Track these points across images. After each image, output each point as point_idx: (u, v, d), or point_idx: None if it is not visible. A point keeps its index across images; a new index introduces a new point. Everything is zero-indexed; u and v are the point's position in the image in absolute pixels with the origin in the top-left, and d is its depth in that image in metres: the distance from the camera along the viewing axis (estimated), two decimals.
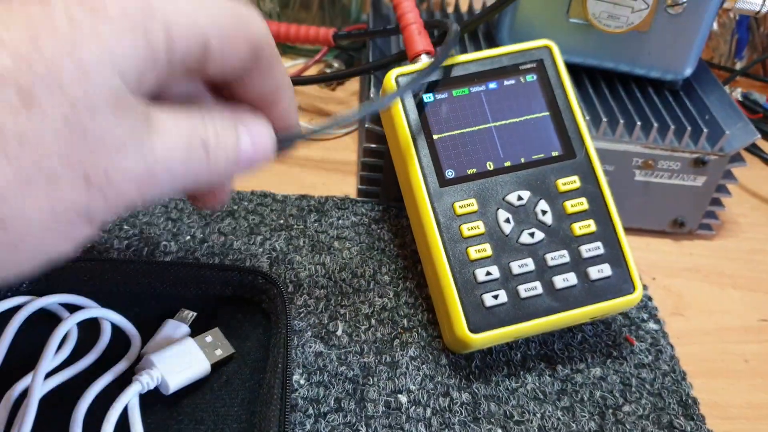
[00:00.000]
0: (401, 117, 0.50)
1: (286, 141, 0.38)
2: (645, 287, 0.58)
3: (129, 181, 0.30)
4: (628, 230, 0.62)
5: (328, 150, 0.68)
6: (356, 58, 0.79)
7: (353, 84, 0.78)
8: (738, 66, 0.84)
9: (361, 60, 0.78)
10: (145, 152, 0.30)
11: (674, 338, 0.54)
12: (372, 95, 0.59)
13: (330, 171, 0.65)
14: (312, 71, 0.76)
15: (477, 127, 0.50)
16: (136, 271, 0.48)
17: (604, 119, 0.57)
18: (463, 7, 0.76)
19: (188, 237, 0.55)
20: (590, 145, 0.50)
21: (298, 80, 0.70)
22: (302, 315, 0.51)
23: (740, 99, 0.81)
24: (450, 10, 0.76)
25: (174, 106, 0.32)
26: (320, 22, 0.80)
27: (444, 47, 0.49)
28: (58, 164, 0.28)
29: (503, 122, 0.51)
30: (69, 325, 0.45)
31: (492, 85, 0.51)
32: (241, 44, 0.33)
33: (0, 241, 0.27)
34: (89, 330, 0.47)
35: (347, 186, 0.64)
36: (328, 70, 0.75)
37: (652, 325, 0.54)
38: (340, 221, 0.59)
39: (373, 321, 0.51)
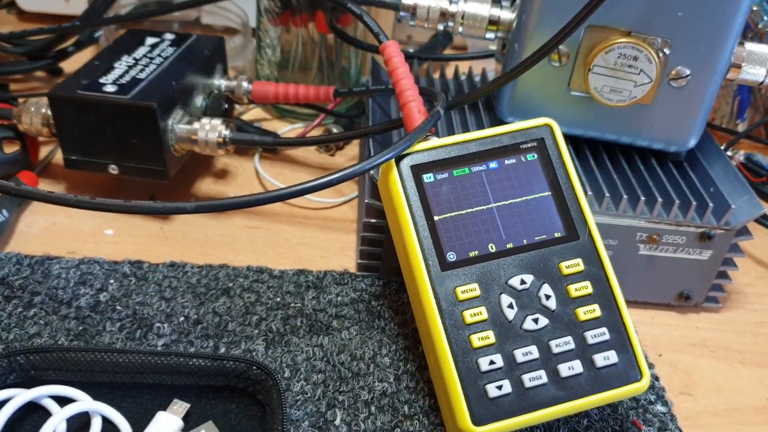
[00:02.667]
0: (401, 198, 0.49)
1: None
2: (651, 365, 0.56)
3: None
4: (633, 304, 0.62)
5: (327, 221, 0.67)
6: (356, 123, 0.78)
7: (353, 149, 0.77)
8: (740, 127, 0.84)
9: (360, 125, 0.77)
10: None
11: (682, 420, 0.53)
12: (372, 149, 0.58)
13: (329, 243, 0.64)
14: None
15: (478, 208, 0.49)
16: (127, 361, 0.47)
17: (607, 194, 0.56)
18: (463, 68, 0.75)
19: (182, 318, 0.54)
20: (593, 226, 0.49)
21: (298, 141, 0.69)
22: (299, 403, 0.49)
23: (743, 161, 0.80)
24: (450, 74, 0.75)
25: None
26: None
27: (422, 124, 0.49)
28: None
29: (505, 202, 0.50)
30: (58, 420, 0.44)
31: (493, 165, 0.50)
32: None
33: None
34: (80, 423, 0.45)
35: (347, 259, 0.63)
36: None
37: (659, 408, 0.52)
38: (339, 298, 0.58)
39: (372, 408, 0.50)
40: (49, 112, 0.61)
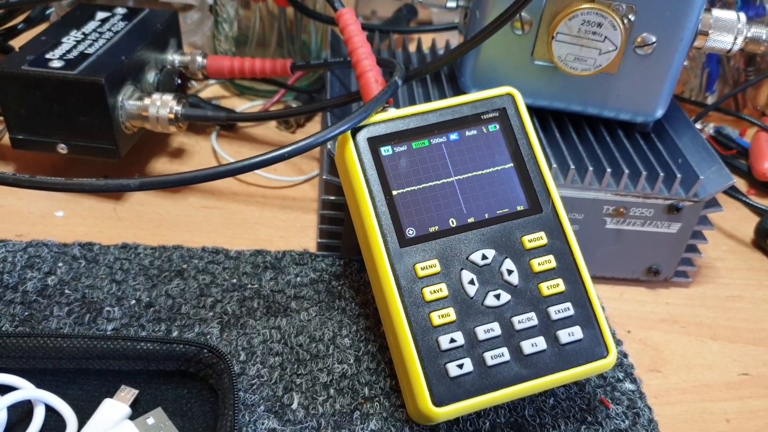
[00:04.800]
0: (357, 172, 0.47)
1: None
2: (620, 342, 0.55)
3: None
4: (601, 279, 0.60)
5: (287, 200, 0.65)
6: (317, 98, 0.76)
7: (314, 126, 0.75)
8: (709, 100, 0.82)
9: (321, 100, 0.75)
10: None
11: (652, 398, 0.51)
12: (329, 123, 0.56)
13: (288, 223, 0.62)
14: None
15: (438, 182, 0.47)
16: (72, 346, 0.44)
17: (572, 166, 0.54)
18: (426, 45, 0.73)
19: (133, 301, 0.52)
20: (557, 199, 0.48)
21: (252, 116, 0.67)
22: (255, 387, 0.47)
23: (712, 134, 0.79)
24: (412, 48, 0.73)
25: None
26: None
27: (378, 95, 0.47)
28: None
29: (466, 175, 0.48)
30: None
31: (453, 136, 0.48)
32: None
33: None
34: (22, 411, 0.43)
35: (306, 239, 0.61)
36: None
37: (628, 385, 0.51)
38: (298, 278, 0.56)
39: (331, 391, 0.48)
40: None
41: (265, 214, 0.63)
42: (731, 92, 0.78)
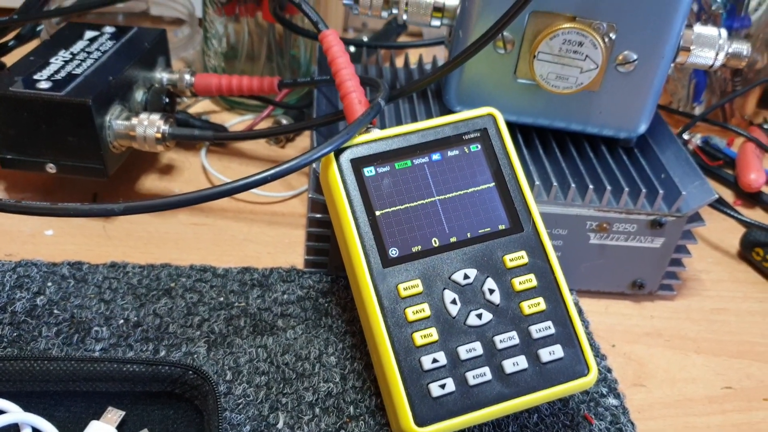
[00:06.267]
0: (341, 192, 0.47)
1: None
2: (604, 357, 0.55)
3: None
4: (586, 293, 0.61)
5: (275, 216, 0.65)
6: (306, 113, 0.76)
7: (304, 140, 0.76)
8: (697, 110, 0.83)
9: (310, 116, 0.75)
10: None
11: (635, 413, 0.52)
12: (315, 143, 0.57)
13: (276, 239, 0.62)
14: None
15: (421, 202, 0.48)
16: (59, 369, 0.45)
17: (555, 183, 0.55)
18: (413, 60, 0.74)
19: (121, 320, 0.52)
20: (537, 218, 0.48)
21: (239, 135, 0.67)
22: (241, 406, 0.48)
23: (700, 145, 0.80)
24: (400, 63, 0.74)
25: None
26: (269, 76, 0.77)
27: (361, 117, 0.48)
28: None
29: (448, 195, 0.48)
30: None
31: (435, 157, 0.49)
32: None
33: None
34: None
35: (295, 255, 0.61)
36: None
37: (612, 401, 0.52)
38: (285, 296, 0.56)
39: (317, 410, 0.48)
40: None
41: (254, 231, 0.63)
42: (718, 103, 0.79)
